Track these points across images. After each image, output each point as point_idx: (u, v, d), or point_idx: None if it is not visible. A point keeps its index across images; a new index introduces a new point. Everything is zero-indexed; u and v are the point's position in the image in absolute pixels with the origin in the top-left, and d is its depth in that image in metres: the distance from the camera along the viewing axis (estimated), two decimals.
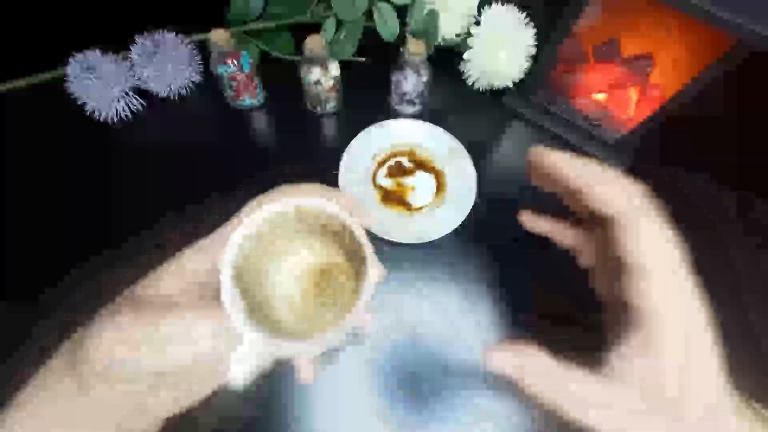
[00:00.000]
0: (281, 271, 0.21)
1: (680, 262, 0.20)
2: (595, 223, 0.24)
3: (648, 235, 0.20)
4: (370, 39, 0.53)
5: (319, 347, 0.17)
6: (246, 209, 0.21)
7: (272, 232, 0.20)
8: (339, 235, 0.20)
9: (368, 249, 0.19)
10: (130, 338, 0.18)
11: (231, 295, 0.17)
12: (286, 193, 0.21)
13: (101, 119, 0.49)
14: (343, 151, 0.49)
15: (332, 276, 0.22)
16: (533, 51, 0.51)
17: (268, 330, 0.18)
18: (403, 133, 0.52)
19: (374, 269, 0.18)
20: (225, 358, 0.19)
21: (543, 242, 0.29)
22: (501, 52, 0.50)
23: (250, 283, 0.19)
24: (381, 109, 0.54)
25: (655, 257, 0.20)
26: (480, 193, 0.48)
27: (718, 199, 0.52)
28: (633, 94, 0.52)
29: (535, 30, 0.50)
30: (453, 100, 0.56)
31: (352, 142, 0.50)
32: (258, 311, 0.19)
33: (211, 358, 0.19)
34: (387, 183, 0.49)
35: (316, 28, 0.51)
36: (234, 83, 0.48)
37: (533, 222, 0.29)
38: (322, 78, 0.48)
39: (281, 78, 0.52)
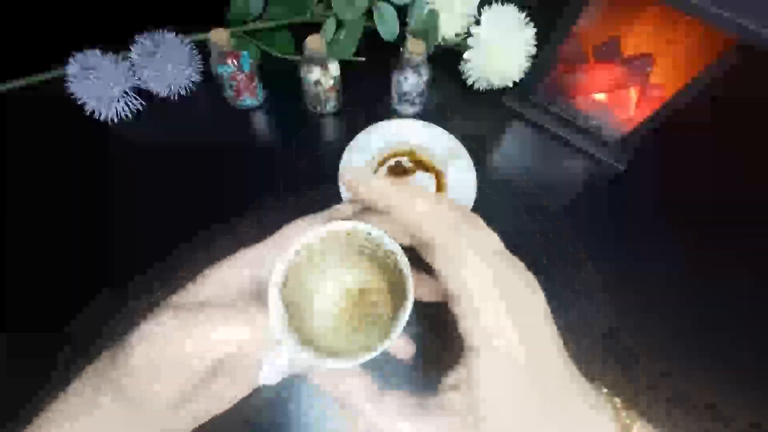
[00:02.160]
0: (324, 286, 0.22)
1: (511, 292, 0.18)
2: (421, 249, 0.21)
3: (465, 262, 0.18)
4: (370, 39, 0.53)
5: (346, 366, 0.18)
6: (292, 226, 0.22)
7: (322, 251, 0.21)
8: (384, 263, 0.21)
9: (410, 282, 0.19)
10: (167, 339, 0.18)
11: (277, 305, 0.18)
12: (340, 212, 0.22)
13: (101, 119, 0.49)
14: (343, 151, 0.49)
15: (371, 299, 0.22)
16: (533, 51, 0.51)
17: (302, 340, 0.19)
18: (403, 133, 0.52)
19: (411, 302, 0.19)
20: (254, 362, 0.19)
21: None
22: (501, 51, 0.50)
23: (293, 295, 0.20)
24: (381, 109, 0.54)
25: (473, 286, 0.18)
26: (480, 193, 0.48)
27: (715, 199, 0.52)
28: (633, 94, 0.52)
29: (535, 30, 0.50)
30: (453, 100, 0.56)
31: (352, 142, 0.50)
32: (296, 321, 0.20)
33: (240, 361, 0.19)
34: None
35: (316, 28, 0.51)
36: (234, 83, 0.48)
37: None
38: (322, 78, 0.48)
39: (281, 78, 0.52)
